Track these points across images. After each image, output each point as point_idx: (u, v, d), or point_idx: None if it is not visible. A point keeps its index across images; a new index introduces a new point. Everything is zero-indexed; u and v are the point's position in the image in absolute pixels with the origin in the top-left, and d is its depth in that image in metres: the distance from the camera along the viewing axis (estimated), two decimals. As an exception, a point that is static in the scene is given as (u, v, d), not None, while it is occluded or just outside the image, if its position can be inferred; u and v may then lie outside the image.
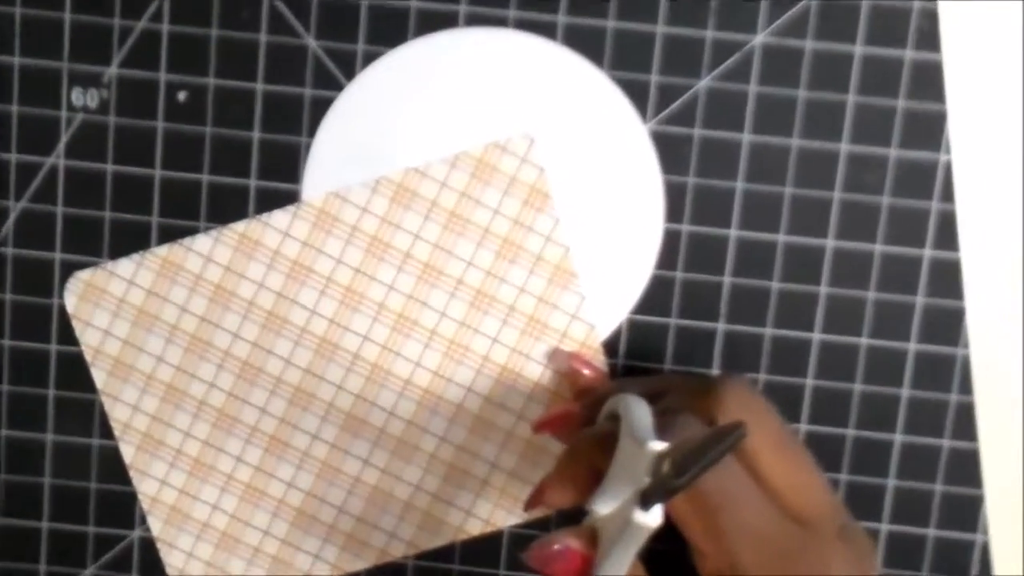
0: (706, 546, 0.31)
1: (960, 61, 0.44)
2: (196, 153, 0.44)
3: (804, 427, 0.45)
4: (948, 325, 0.44)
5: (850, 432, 0.45)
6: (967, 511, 0.44)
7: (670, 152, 0.43)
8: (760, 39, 0.43)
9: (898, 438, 0.45)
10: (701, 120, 0.44)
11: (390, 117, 0.45)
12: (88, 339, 0.46)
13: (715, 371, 0.45)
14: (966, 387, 0.44)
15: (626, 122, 0.44)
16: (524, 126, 0.44)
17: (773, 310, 0.44)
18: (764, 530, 0.31)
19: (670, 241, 0.44)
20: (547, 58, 0.44)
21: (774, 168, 0.43)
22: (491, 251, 0.44)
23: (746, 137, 0.43)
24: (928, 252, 0.44)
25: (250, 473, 0.46)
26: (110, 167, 0.44)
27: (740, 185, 0.44)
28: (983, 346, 0.44)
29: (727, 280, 0.44)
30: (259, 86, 0.44)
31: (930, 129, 0.44)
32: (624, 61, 0.44)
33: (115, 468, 0.45)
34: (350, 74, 0.45)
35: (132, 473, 0.46)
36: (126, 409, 0.46)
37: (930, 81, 0.44)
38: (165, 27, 0.43)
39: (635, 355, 0.44)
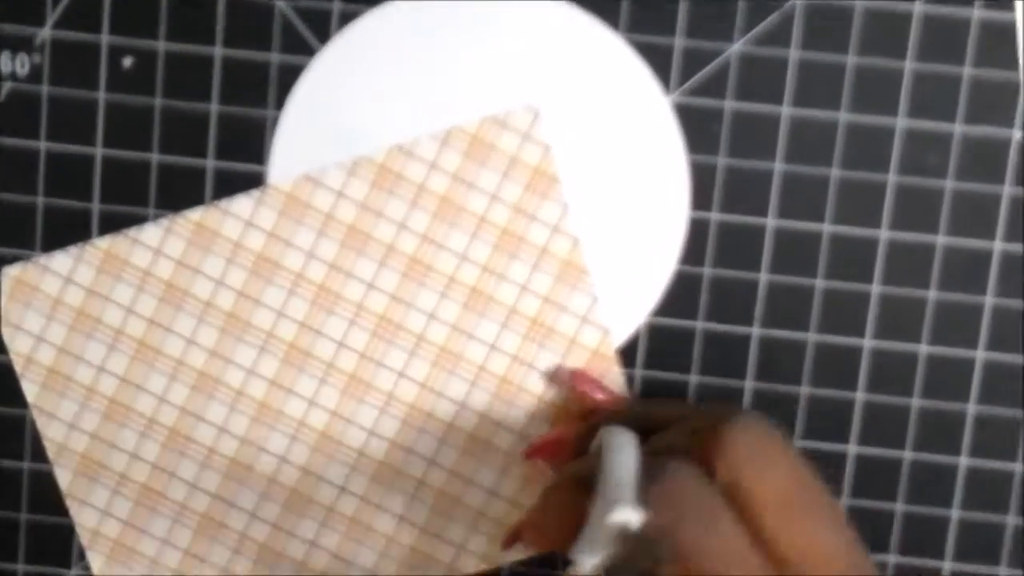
0: None
1: (1033, 23, 0.38)
2: (144, 129, 0.39)
3: (853, 448, 0.40)
4: (1021, 330, 0.39)
5: (907, 454, 0.40)
6: (1042, 546, 0.38)
7: (697, 128, 0.39)
8: (802, -4, 0.38)
9: (963, 461, 0.40)
10: (733, 91, 0.39)
11: (371, 87, 0.40)
12: (18, 346, 0.40)
13: (748, 383, 0.40)
14: (1040, 402, 0.38)
15: (646, 93, 0.39)
16: (527, 97, 0.39)
17: (817, 312, 0.39)
18: None
19: (697, 232, 0.39)
20: (554, 19, 0.39)
21: (818, 147, 0.39)
22: (488, 243, 0.39)
23: (785, 110, 0.38)
24: (998, 245, 0.39)
25: (207, 502, 0.41)
26: (43, 144, 0.39)
27: (778, 166, 0.39)
28: (1059, 354, 0.39)
29: (763, 277, 0.39)
30: (217, 50, 0.39)
31: (1001, 101, 0.39)
32: (643, 23, 0.39)
33: (49, 496, 0.40)
34: (324, 37, 0.39)
35: (69, 502, 0.40)
36: (62, 427, 0.40)
37: (1001, 45, 0.39)
38: (109, -18, 0.38)
39: (656, 364, 0.39)
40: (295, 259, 0.40)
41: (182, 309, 0.40)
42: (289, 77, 0.39)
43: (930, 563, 0.40)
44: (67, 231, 0.40)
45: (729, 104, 0.39)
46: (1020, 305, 0.39)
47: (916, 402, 0.40)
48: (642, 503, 0.28)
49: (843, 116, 0.39)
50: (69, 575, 0.41)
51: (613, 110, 0.39)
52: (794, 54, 0.39)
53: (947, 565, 0.40)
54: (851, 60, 0.39)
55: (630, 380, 0.40)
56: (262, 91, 0.39)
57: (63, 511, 0.40)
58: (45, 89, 0.39)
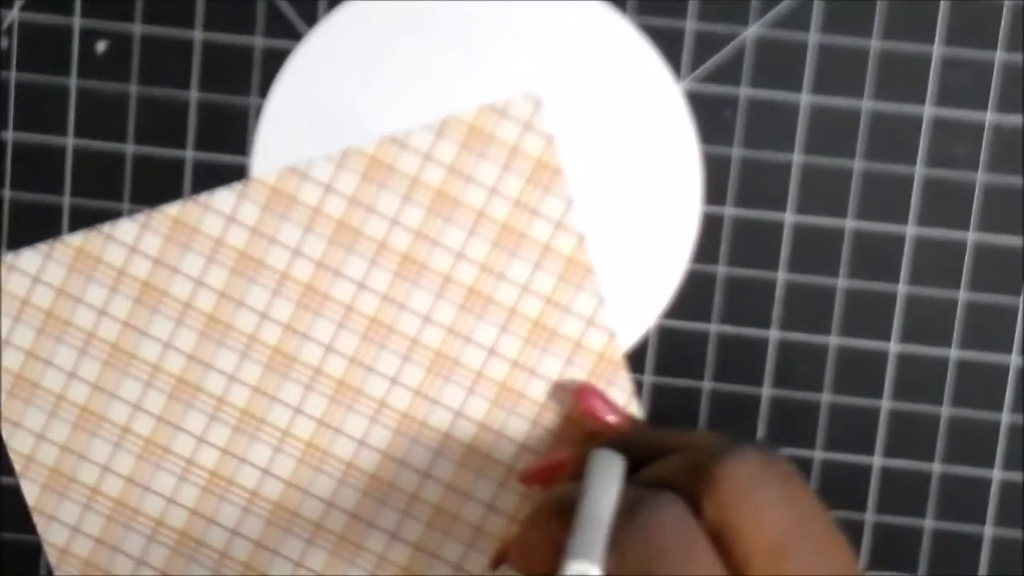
0: None
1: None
2: (118, 117, 0.37)
3: (878, 461, 0.38)
4: (1056, 333, 0.37)
5: (936, 467, 0.38)
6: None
7: (710, 117, 0.37)
8: (821, -23, 0.36)
9: (996, 474, 0.38)
10: (748, 77, 0.37)
11: (361, 74, 0.38)
12: (-17, 350, 0.38)
13: (765, 390, 0.38)
14: (1078, 411, 0.36)
15: (655, 80, 0.37)
16: (528, 85, 0.37)
17: (839, 314, 0.37)
18: None
19: (710, 228, 0.37)
20: (558, 2, 0.37)
21: (839, 137, 0.37)
22: (486, 240, 0.37)
23: (804, 98, 0.37)
24: (1033, 242, 0.37)
25: (184, 518, 0.38)
26: (10, 134, 0.37)
27: (797, 158, 0.37)
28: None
29: (781, 276, 0.37)
30: (197, 34, 0.37)
31: (1035, 88, 0.37)
32: (653, 5, 0.37)
33: (15, 512, 0.38)
34: (312, 20, 0.37)
35: (36, 518, 0.38)
36: (29, 438, 0.38)
37: (1035, 28, 0.37)
38: (82, -39, 0.36)
39: (666, 369, 0.37)
40: (280, 257, 0.38)
41: (159, 311, 0.38)
42: (274, 63, 0.37)
43: (961, 584, 0.38)
44: (36, 227, 0.38)
45: (744, 91, 0.37)
46: (1056, 307, 0.38)
47: (946, 411, 0.38)
48: (617, 540, 0.27)
49: (866, 104, 0.37)
50: (36, 597, 0.39)
51: (620, 98, 0.38)
52: (814, 38, 0.37)
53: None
54: (875, 44, 0.37)
55: (638, 386, 0.38)
56: (245, 77, 0.37)
57: (30, 528, 0.38)
58: (13, 75, 0.38)
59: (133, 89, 0.38)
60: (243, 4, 0.37)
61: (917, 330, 0.38)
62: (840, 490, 0.38)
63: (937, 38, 0.37)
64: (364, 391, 0.38)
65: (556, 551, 0.29)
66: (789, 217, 0.37)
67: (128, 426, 0.38)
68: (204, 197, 0.38)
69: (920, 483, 0.38)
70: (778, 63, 0.37)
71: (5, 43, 0.37)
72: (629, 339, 0.38)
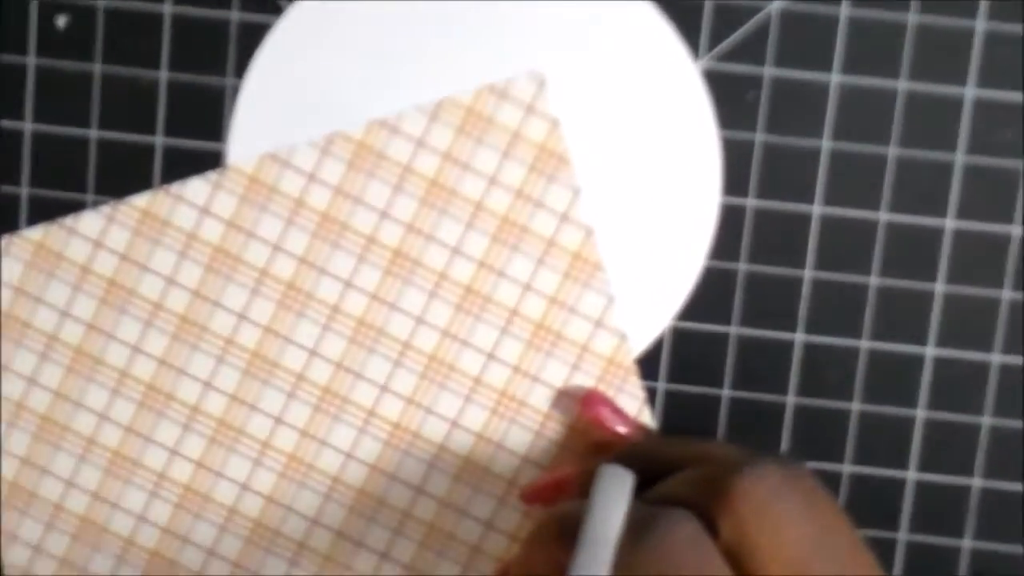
0: None
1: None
2: (81, 99, 0.35)
3: (913, 475, 0.35)
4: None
5: (976, 482, 0.35)
6: None
7: (730, 99, 0.34)
8: (853, -56, 0.33)
9: (1042, 490, 0.35)
10: (773, 55, 0.34)
11: (348, 51, 0.35)
12: (-65, 354, 0.36)
13: (790, 398, 0.35)
14: None
15: (671, 58, 0.35)
16: (532, 63, 0.34)
17: (871, 315, 0.35)
18: None
19: (730, 220, 0.35)
20: None
21: (873, 120, 0.34)
22: (485, 234, 0.35)
23: (835, 78, 0.34)
24: (1084, 236, 0.35)
25: (156, 537, 0.36)
26: (-38, 118, 0.35)
27: (826, 144, 0.34)
28: None
29: (807, 274, 0.35)
30: (167, 7, 0.35)
31: (1087, 67, 0.34)
32: None
33: None
34: (293, -8, 0.35)
35: (-6, 537, 0.36)
36: (-14, 450, 0.36)
37: (1088, 1, 0.34)
38: (40, -72, 0.34)
39: (682, 375, 0.35)
40: (259, 253, 0.35)
41: (126, 311, 0.35)
42: (252, 39, 0.35)
43: (1000, 607, 0.36)
44: (-8, 220, 0.36)
45: (768, 71, 0.35)
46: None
47: (987, 421, 0.35)
48: (625, 561, 0.26)
49: (902, 84, 0.35)
50: (-4, 622, 0.37)
51: (632, 78, 0.35)
52: (845, 11, 0.35)
53: (1024, 612, 0.36)
54: (912, 18, 0.35)
55: (651, 394, 0.35)
56: (220, 55, 0.35)
57: (-12, 547, 0.36)
58: (-35, 53, 0.35)
59: (97, 68, 0.35)
60: (217, -26, 0.35)
61: (956, 332, 0.35)
62: (871, 506, 0.35)
63: (980, 12, 0.35)
64: (351, 399, 0.36)
65: (559, 574, 0.28)
66: (817, 209, 0.35)
67: (94, 437, 0.36)
68: (176, 187, 0.35)
69: (958, 499, 0.35)
70: (806, 39, 0.35)
71: (-44, 17, 0.35)
72: (641, 342, 0.35)
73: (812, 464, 0.35)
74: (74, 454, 0.36)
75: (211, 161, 0.35)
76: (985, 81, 0.35)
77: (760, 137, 0.35)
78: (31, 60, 0.35)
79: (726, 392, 0.35)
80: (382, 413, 0.36)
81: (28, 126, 0.35)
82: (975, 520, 0.35)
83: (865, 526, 0.36)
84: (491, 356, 0.36)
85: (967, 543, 0.36)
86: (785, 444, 0.35)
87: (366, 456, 0.36)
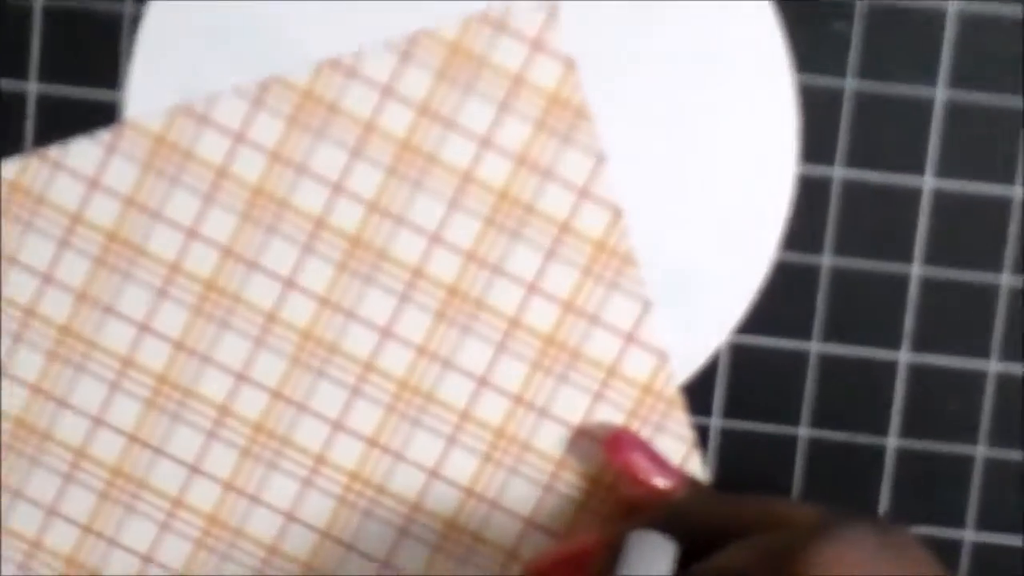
0: None
1: None
2: None
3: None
4: None
5: None
6: None
7: (812, 34, 0.26)
8: None
9: None
10: None
11: None
12: None
13: (891, 440, 0.28)
14: None
15: None
16: None
17: (1002, 326, 0.27)
18: None
19: (811, 197, 0.27)
20: None
21: (1002, 61, 0.27)
22: (476, 216, 0.27)
23: (952, 5, 0.26)
24: None
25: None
26: None
27: (942, 93, 0.26)
28: None
29: (916, 271, 0.27)
30: None
31: None
32: None
33: None
34: None
35: None
36: None
37: None
38: None
39: (742, 409, 0.28)
40: (167, 241, 0.28)
41: (-12, 320, 0.28)
42: (160, -48, 0.27)
43: None
44: None
45: (860, -5, 0.27)
46: None
47: None
48: None
49: (1043, 13, 0.27)
50: None
51: (674, 7, 0.27)
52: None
53: None
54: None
55: (702, 434, 0.28)
56: None
57: None
58: None
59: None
60: None
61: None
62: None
63: None
64: (292, 440, 0.28)
65: None
66: (929, 182, 0.27)
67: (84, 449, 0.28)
68: (55, 151, 0.28)
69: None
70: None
71: None
72: (689, 364, 0.28)
73: (921, 529, 0.28)
74: (57, 472, 0.28)
75: (103, 115, 0.28)
76: None
77: (852, 83, 0.28)
78: None
79: (803, 431, 0.29)
80: (334, 460, 0.28)
81: None
82: None
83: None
84: (483, 382, 0.28)
85: None
86: (884, 502, 0.28)
87: (312, 518, 0.28)
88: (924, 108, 0.28)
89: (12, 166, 0.28)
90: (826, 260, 0.28)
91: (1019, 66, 0.28)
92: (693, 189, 0.28)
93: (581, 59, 0.28)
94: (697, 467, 0.28)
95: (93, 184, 0.28)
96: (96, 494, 0.28)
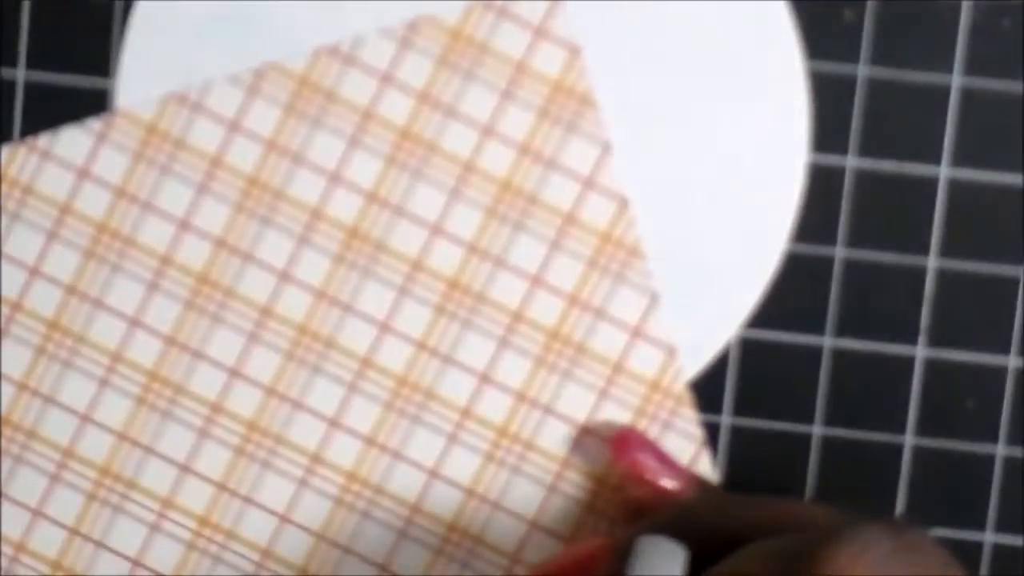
0: None
1: None
2: None
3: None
4: None
5: None
6: None
7: (822, 19, 0.26)
8: None
9: None
10: None
11: None
12: None
13: (908, 438, 0.27)
14: None
15: None
16: None
17: (1022, 322, 0.27)
18: None
19: (823, 187, 0.27)
20: None
21: (1015, 49, 0.27)
22: (477, 206, 0.26)
23: None
24: None
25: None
26: None
27: (957, 80, 0.26)
28: None
29: (932, 263, 0.26)
30: None
31: None
32: None
33: None
34: None
35: None
36: None
37: None
38: None
39: (753, 406, 0.27)
40: (158, 232, 0.28)
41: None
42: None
43: None
44: None
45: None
46: None
47: None
48: None
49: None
50: None
51: None
52: None
53: None
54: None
55: (712, 433, 0.28)
56: None
57: None
58: None
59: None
60: None
61: None
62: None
63: None
64: (287, 439, 0.27)
65: None
66: (945, 171, 0.27)
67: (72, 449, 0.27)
68: (44, 140, 0.27)
69: None
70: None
71: None
72: (698, 359, 0.28)
73: (939, 531, 0.28)
74: (43, 472, 0.28)
75: (94, 101, 0.28)
76: None
77: (864, 71, 0.28)
78: None
79: (817, 429, 0.28)
80: (330, 459, 0.28)
81: None
82: None
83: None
84: (485, 378, 0.28)
85: None
86: (901, 503, 0.28)
87: (307, 519, 0.28)
88: (939, 95, 0.28)
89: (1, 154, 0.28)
90: (839, 252, 0.28)
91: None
92: (702, 179, 0.28)
93: (586, 46, 0.28)
94: (707, 466, 0.28)
95: (83, 174, 0.27)
96: (84, 495, 0.27)
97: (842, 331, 0.28)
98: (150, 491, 0.27)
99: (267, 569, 0.28)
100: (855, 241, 0.28)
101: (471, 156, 0.28)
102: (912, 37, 0.28)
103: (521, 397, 0.28)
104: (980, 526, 0.28)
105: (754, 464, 0.30)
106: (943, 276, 0.28)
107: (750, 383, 0.28)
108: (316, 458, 0.27)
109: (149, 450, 0.28)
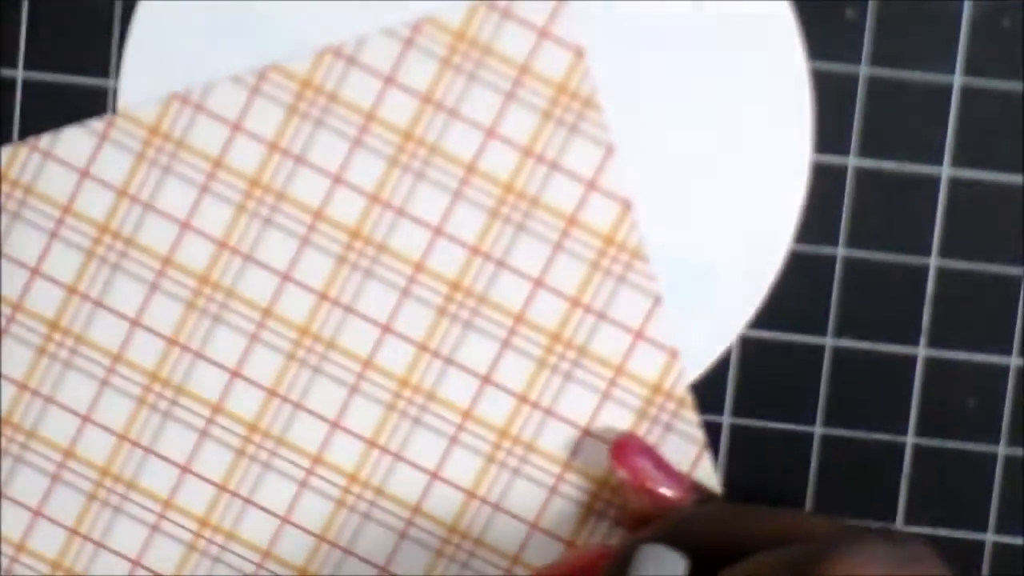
0: None
1: None
2: None
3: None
4: None
5: None
6: None
7: (825, 19, 0.27)
8: None
9: None
10: None
11: None
12: None
13: (910, 439, 0.27)
14: None
15: None
16: None
17: (1023, 321, 0.27)
18: None
19: (824, 186, 0.27)
20: None
21: (1017, 49, 0.27)
22: (480, 208, 0.26)
23: None
24: None
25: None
26: None
27: (960, 79, 0.26)
28: None
29: (933, 263, 0.27)
30: None
31: None
32: None
33: None
34: None
35: None
36: None
37: None
38: None
39: (754, 407, 0.27)
40: (160, 233, 0.27)
41: (-27, 315, 0.27)
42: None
43: None
44: None
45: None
46: None
47: None
48: None
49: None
50: None
51: None
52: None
53: None
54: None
55: (713, 434, 0.28)
56: None
57: None
58: None
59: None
60: None
61: None
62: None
63: None
64: (288, 440, 0.27)
65: None
66: (946, 171, 0.27)
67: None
68: (45, 140, 0.27)
69: None
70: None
71: None
72: (700, 361, 0.28)
73: (942, 532, 0.28)
74: (44, 472, 0.28)
75: (95, 101, 0.28)
76: None
77: (865, 71, 0.27)
78: None
79: (818, 430, 0.28)
80: (331, 460, 0.28)
81: None
82: None
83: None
84: (486, 380, 0.28)
85: None
86: (902, 508, 0.28)
87: (309, 521, 0.28)
88: (940, 95, 0.28)
89: (0, 155, 0.28)
90: (840, 252, 0.28)
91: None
92: (704, 181, 0.28)
93: (590, 48, 0.28)
94: (708, 470, 0.28)
95: (84, 175, 0.27)
96: (84, 495, 0.27)
97: (843, 331, 0.28)
98: (150, 491, 0.27)
99: (267, 570, 0.28)
100: (856, 241, 0.28)
101: (474, 158, 0.28)
102: (913, 37, 0.28)
103: (523, 399, 0.28)
104: (981, 526, 0.28)
105: (754, 464, 0.29)
106: (944, 276, 0.28)
107: (752, 383, 0.28)
108: (317, 459, 0.27)
109: (149, 450, 0.28)
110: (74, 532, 0.28)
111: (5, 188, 0.27)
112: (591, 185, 0.28)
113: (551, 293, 0.28)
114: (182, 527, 0.27)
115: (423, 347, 0.28)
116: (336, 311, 0.28)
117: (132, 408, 0.27)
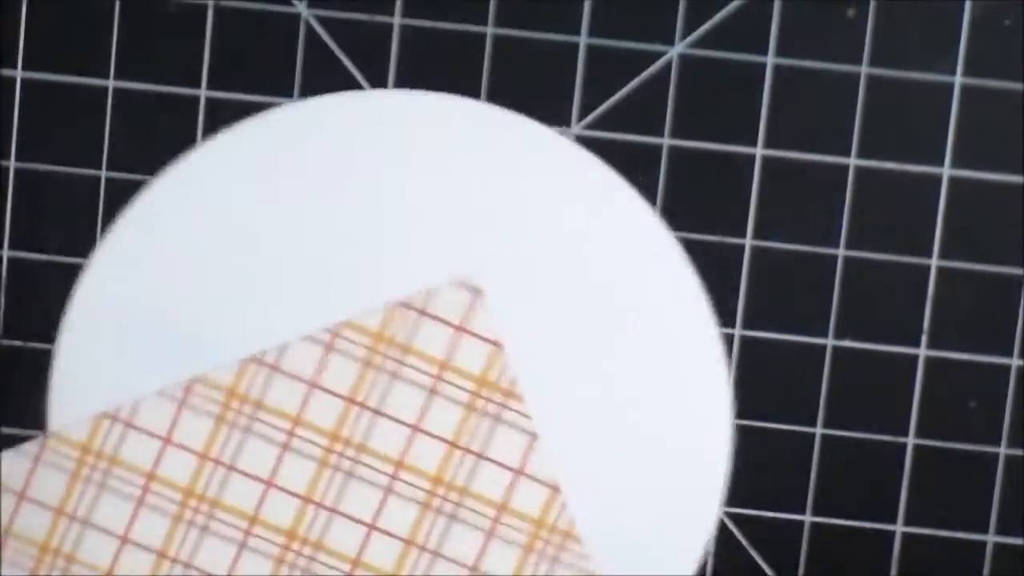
0: None
1: None
2: None
3: None
4: None
5: None
6: None
7: (826, 17, 0.27)
8: None
9: None
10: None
11: (203, 260, 0.27)
12: None
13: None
14: None
15: (641, 225, 0.27)
16: (461, 260, 0.27)
17: None
18: None
19: (823, 186, 0.27)
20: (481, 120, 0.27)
21: (1018, 48, 0.27)
22: (411, 502, 0.27)
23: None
24: None
25: None
26: None
27: (959, 80, 0.26)
28: None
29: (934, 263, 0.27)
30: None
31: None
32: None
33: None
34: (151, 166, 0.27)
35: None
36: None
37: None
38: None
39: (754, 407, 0.27)
40: (99, 547, 0.27)
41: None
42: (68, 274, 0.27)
43: None
44: None
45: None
46: None
47: None
48: None
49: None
50: None
51: (597, 283, 0.27)
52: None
53: None
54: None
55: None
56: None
57: None
58: None
59: None
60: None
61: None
62: None
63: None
64: None
65: None
66: (946, 171, 0.27)
67: None
68: None
69: None
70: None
71: None
72: None
73: (943, 533, 0.28)
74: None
75: (95, 103, 0.27)
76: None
77: (865, 70, 0.27)
78: None
79: (817, 430, 0.27)
80: None
81: None
82: None
83: None
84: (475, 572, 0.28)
85: None
86: (902, 504, 0.28)
87: None
88: (940, 95, 0.28)
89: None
90: (839, 252, 0.27)
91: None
92: (629, 459, 0.27)
93: (508, 340, 0.27)
94: None
95: (21, 497, 0.28)
96: None
97: (843, 331, 0.28)
98: None
99: None
100: (855, 241, 0.27)
101: (401, 453, 0.27)
102: (913, 37, 0.28)
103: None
104: (982, 527, 0.28)
105: (755, 465, 0.28)
106: (944, 276, 0.28)
107: (751, 383, 0.28)
108: None
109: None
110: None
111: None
112: (519, 471, 0.28)
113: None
114: None
115: (409, 543, 0.28)
116: (320, 516, 0.28)
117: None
